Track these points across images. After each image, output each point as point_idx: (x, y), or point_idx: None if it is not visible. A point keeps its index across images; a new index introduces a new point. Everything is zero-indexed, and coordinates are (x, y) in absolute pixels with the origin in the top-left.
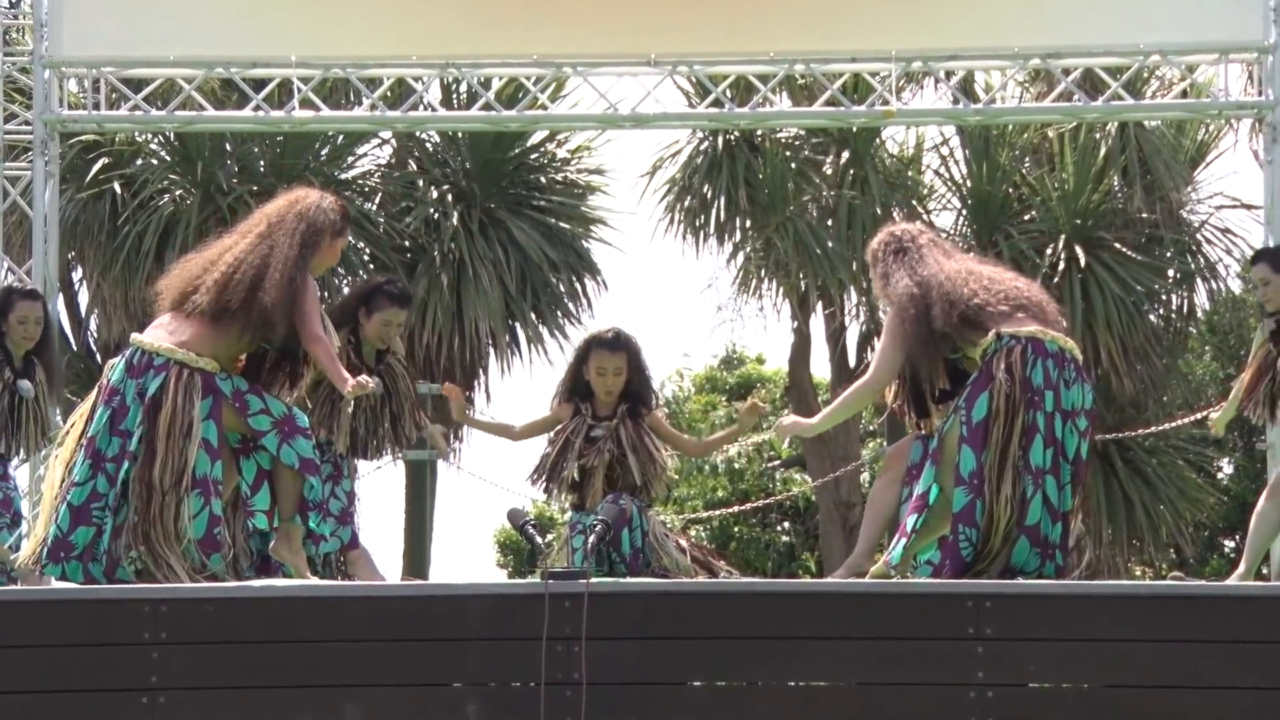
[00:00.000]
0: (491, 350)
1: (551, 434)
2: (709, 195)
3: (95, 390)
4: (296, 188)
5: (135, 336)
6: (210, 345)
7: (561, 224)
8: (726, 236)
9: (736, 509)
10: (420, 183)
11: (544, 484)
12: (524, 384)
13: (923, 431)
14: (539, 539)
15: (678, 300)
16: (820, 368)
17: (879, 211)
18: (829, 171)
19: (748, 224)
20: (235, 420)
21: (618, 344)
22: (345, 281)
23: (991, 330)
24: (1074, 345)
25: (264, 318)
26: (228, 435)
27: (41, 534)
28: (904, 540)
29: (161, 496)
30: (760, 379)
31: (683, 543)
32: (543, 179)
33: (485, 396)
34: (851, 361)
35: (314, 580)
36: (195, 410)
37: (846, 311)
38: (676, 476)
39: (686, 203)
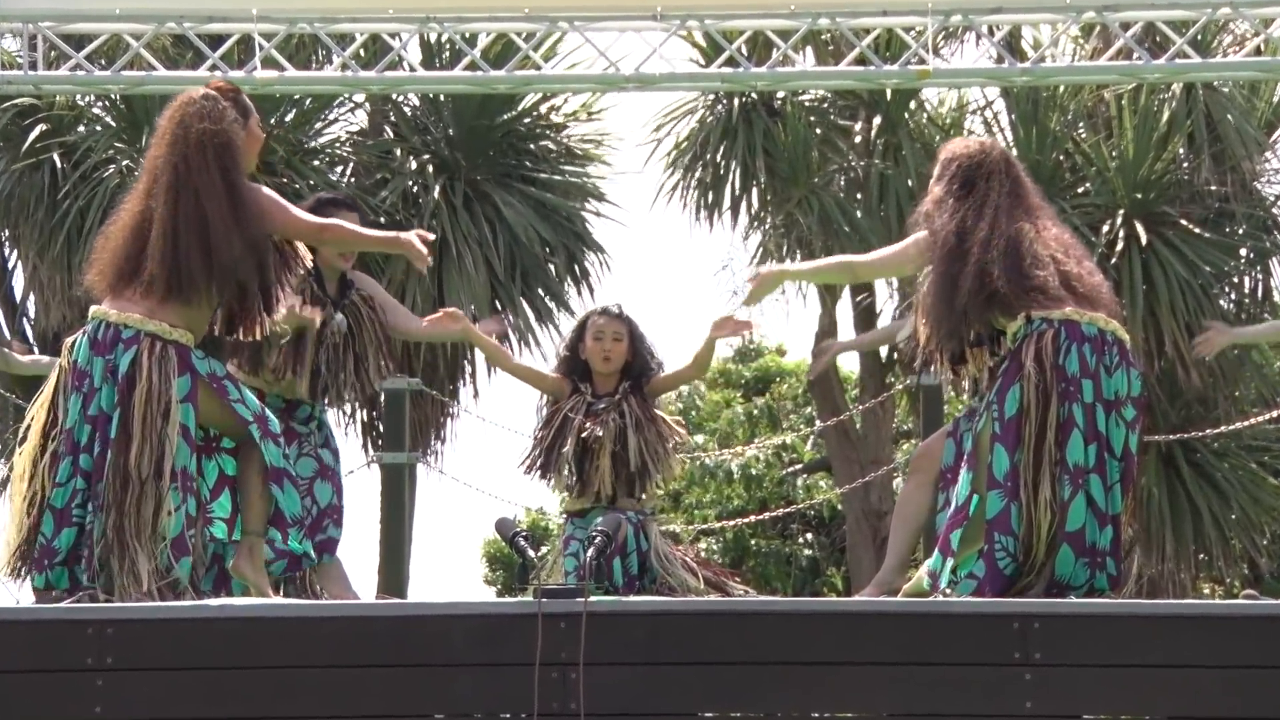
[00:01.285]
0: None
1: (545, 414)
2: (723, 166)
3: (55, 374)
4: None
5: (96, 309)
6: (182, 316)
7: (556, 199)
8: (743, 212)
9: (753, 519)
10: (397, 152)
11: (539, 468)
12: (513, 381)
13: (959, 378)
14: (531, 552)
15: (688, 284)
16: (848, 360)
17: (913, 183)
18: (858, 139)
19: (766, 198)
20: (212, 406)
21: (618, 312)
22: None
23: (1020, 314)
24: (1118, 326)
25: (235, 271)
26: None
27: (15, 540)
28: (950, 560)
29: (140, 487)
30: (780, 372)
31: (692, 560)
32: (535, 148)
33: (472, 393)
34: (883, 352)
35: (278, 599)
36: (173, 389)
37: (878, 296)
38: (681, 470)
39: (697, 174)
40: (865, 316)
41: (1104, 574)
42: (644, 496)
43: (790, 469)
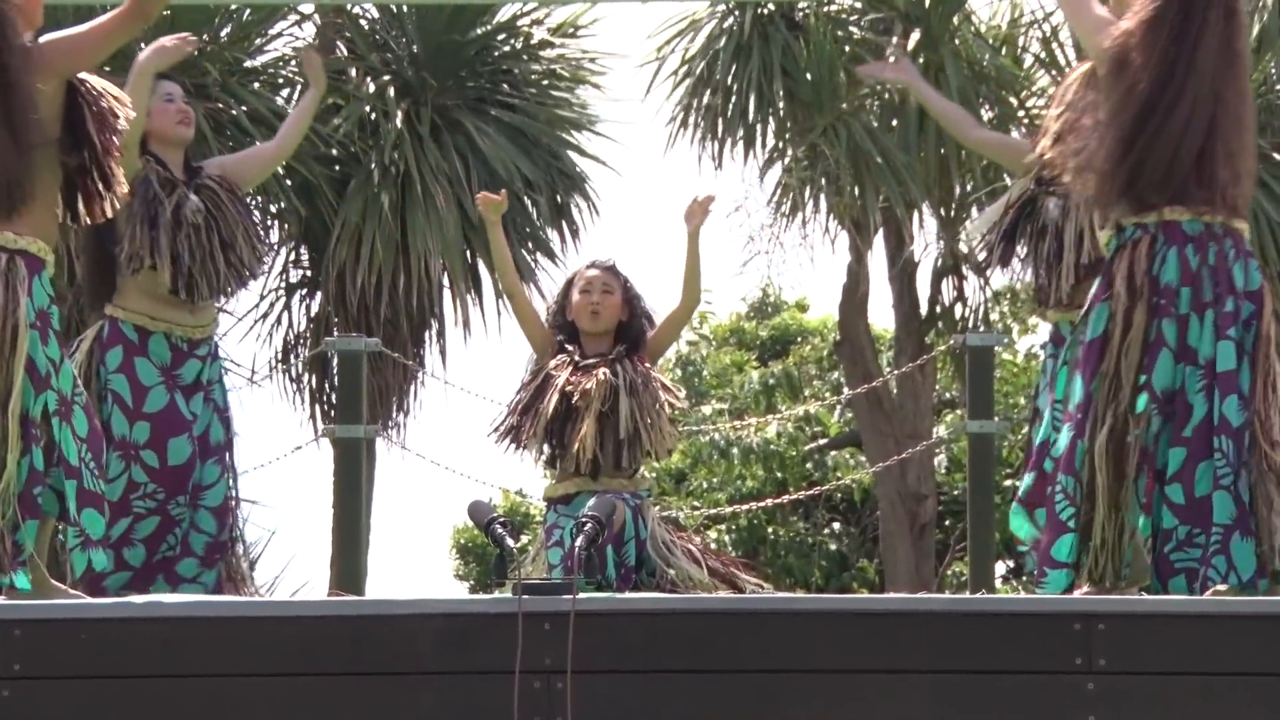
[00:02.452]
0: (447, 295)
1: (526, 375)
2: (735, 90)
3: None
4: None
5: None
6: (27, 223)
7: (539, 128)
8: (759, 144)
9: (770, 503)
10: (353, 72)
11: (511, 434)
12: (489, 342)
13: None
14: (510, 541)
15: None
16: (881, 315)
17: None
18: (893, 58)
19: (786, 127)
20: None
21: (609, 264)
22: (254, 199)
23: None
24: (1231, 219)
25: (33, 137)
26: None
27: None
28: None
29: None
30: (802, 331)
31: (696, 550)
32: (515, 69)
33: (439, 357)
34: (923, 307)
35: (219, 597)
36: (21, 308)
37: (918, 242)
38: (676, 442)
39: (705, 100)
40: (905, 273)
41: (1217, 541)
42: (634, 471)
43: (814, 445)
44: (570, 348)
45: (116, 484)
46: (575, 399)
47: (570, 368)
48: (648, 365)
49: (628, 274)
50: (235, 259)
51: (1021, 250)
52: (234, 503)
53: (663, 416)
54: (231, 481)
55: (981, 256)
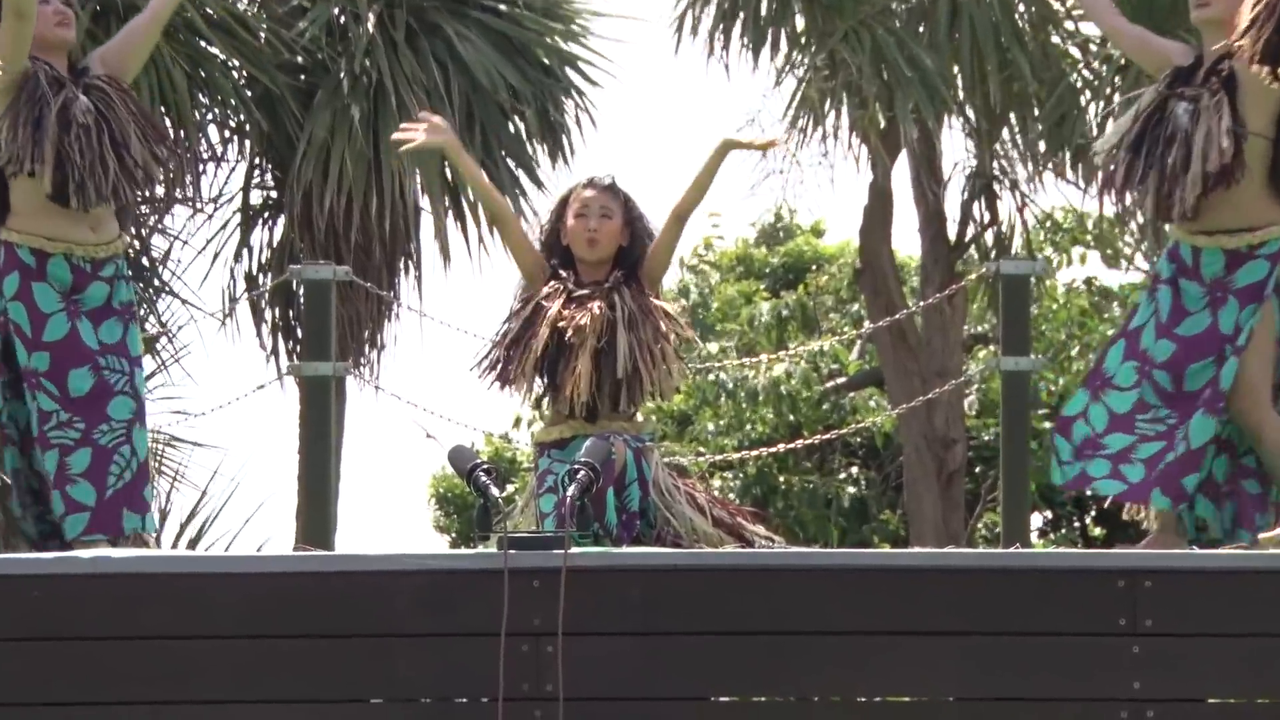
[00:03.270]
0: (425, 218)
1: (514, 303)
2: None
3: None
4: None
5: None
6: None
7: (527, 33)
8: (773, 49)
9: (783, 448)
10: None
11: (498, 371)
12: (471, 270)
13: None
14: (495, 490)
15: (701, 144)
16: (907, 241)
17: (997, 15)
18: None
19: (803, 29)
20: None
21: (608, 182)
22: (210, 114)
23: None
24: None
25: None
26: None
27: None
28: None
29: None
30: (818, 258)
31: (701, 498)
32: None
33: (416, 287)
34: (952, 232)
35: (175, 551)
36: None
37: (949, 159)
38: (682, 380)
39: (704, 5)
40: (933, 193)
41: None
42: (634, 413)
43: (831, 384)
44: (564, 274)
45: (29, 415)
46: (568, 335)
47: (563, 297)
48: (649, 293)
49: (628, 192)
50: (130, 159)
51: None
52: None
53: (666, 352)
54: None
55: (1100, 177)
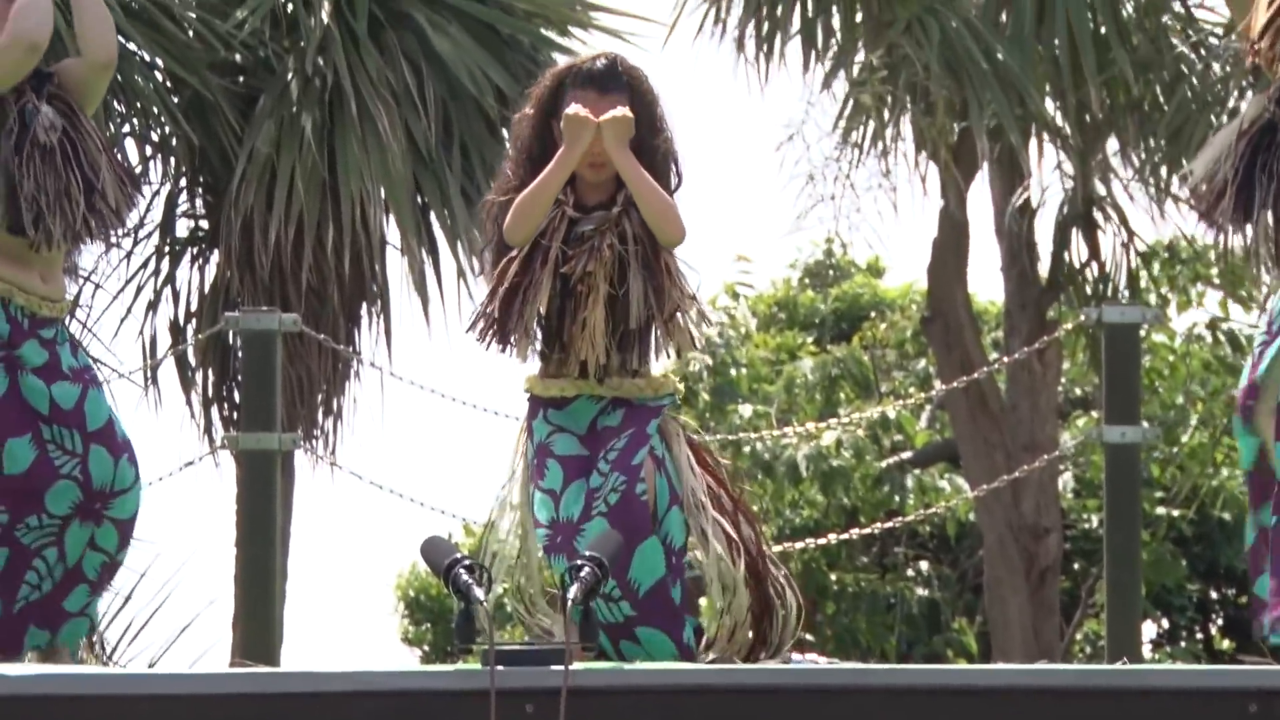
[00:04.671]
0: (393, 255)
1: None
2: None
3: None
4: None
5: None
6: None
7: (517, 22)
8: (819, 45)
9: (834, 539)
10: None
11: (494, 330)
12: (450, 322)
13: None
14: (478, 590)
15: (732, 163)
16: (986, 282)
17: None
18: None
19: (856, 21)
20: None
21: (611, 76)
22: (126, 125)
23: None
24: None
25: None
26: None
27: None
28: None
29: None
30: (877, 303)
31: (726, 525)
32: None
33: (382, 344)
34: (1043, 271)
35: (87, 669)
36: None
37: (1037, 179)
38: (705, 330)
39: None
40: (1019, 222)
41: None
42: (647, 370)
43: (893, 459)
44: (561, 196)
45: None
46: (574, 281)
47: (564, 230)
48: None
49: (635, 69)
50: (99, 194)
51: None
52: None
53: (684, 292)
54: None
55: (1201, 209)
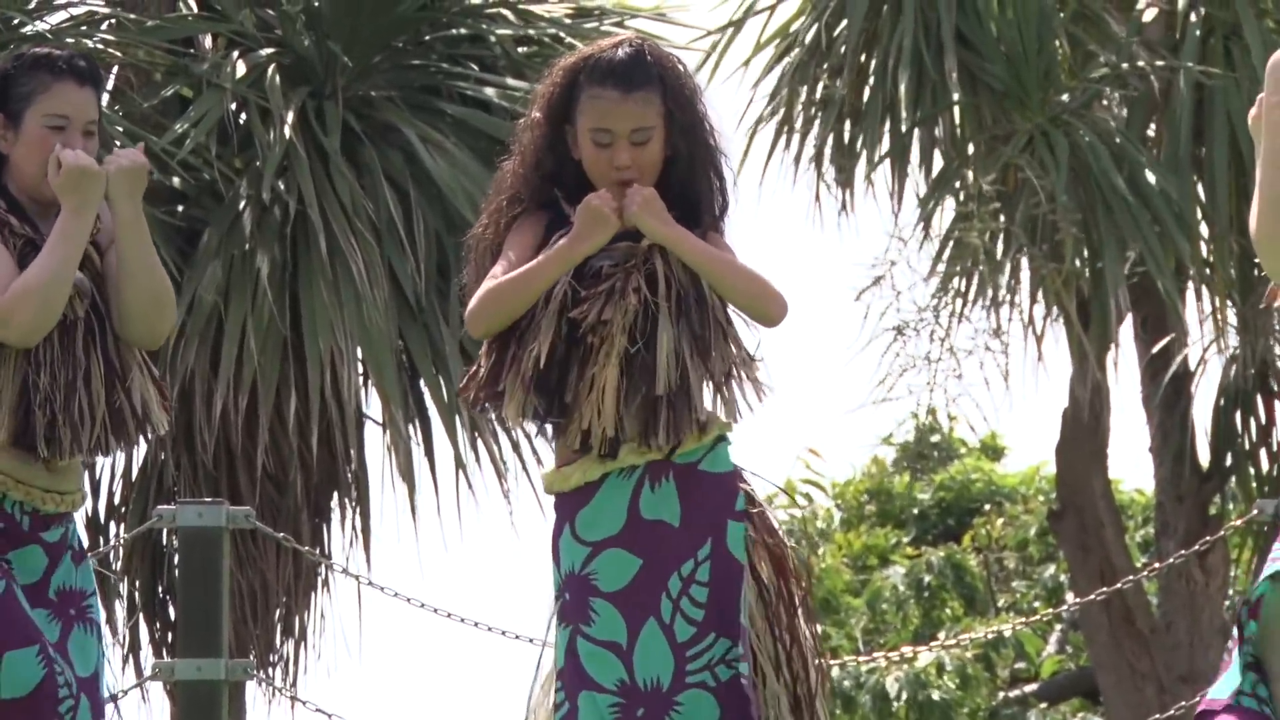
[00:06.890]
0: (371, 429)
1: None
2: (871, 70)
3: None
4: None
5: None
6: None
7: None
8: (908, 166)
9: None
10: (207, 42)
11: (486, 390)
12: (441, 517)
13: None
14: None
15: (796, 316)
16: (1132, 468)
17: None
18: (1149, 13)
19: (957, 134)
20: None
21: (637, 69)
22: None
23: None
24: None
25: None
26: None
27: None
28: None
29: None
30: (992, 493)
31: (783, 631)
32: (491, 34)
33: (357, 545)
34: (1204, 454)
35: None
36: None
37: (1196, 340)
38: (760, 398)
39: (818, 94)
40: (1172, 389)
41: None
42: (676, 442)
43: (1013, 691)
44: (569, 211)
45: None
46: (583, 329)
47: (576, 267)
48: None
49: (667, 56)
50: (124, 396)
51: None
52: None
53: (733, 350)
54: None
55: None
